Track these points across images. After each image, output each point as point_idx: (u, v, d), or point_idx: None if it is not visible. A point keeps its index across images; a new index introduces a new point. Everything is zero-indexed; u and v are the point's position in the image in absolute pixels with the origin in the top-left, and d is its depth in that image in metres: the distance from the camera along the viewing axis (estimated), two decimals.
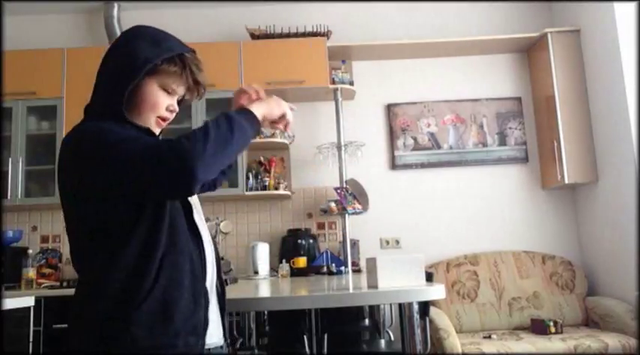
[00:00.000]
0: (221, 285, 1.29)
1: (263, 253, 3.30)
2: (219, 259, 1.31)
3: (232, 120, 1.12)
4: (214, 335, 1.22)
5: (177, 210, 1.17)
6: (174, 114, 1.28)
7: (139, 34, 1.24)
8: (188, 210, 1.21)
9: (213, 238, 1.37)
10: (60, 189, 1.16)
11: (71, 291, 3.46)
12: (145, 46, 1.20)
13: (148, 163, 1.02)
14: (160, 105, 1.23)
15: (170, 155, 1.02)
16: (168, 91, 1.24)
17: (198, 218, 1.25)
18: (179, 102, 1.30)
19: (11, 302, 2.42)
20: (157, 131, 1.27)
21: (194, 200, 1.29)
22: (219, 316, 1.26)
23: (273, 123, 1.29)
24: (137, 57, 1.18)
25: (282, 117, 1.28)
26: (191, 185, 1.03)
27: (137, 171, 1.03)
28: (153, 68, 1.19)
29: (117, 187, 1.06)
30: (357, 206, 3.56)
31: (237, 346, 2.93)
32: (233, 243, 3.86)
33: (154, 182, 1.03)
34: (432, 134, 4.02)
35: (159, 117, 1.25)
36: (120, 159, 1.04)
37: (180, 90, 1.26)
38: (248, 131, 1.16)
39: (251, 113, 1.19)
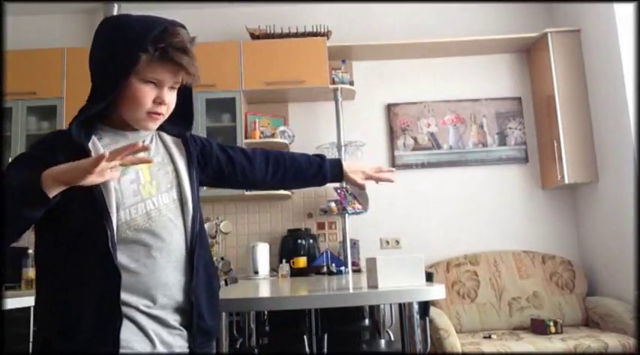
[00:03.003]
0: (190, 301, 1.20)
1: (263, 253, 3.30)
2: (199, 267, 1.23)
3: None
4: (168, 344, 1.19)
5: (86, 241, 1.15)
6: (167, 107, 1.21)
7: (113, 29, 1.19)
8: (103, 239, 1.12)
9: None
10: None
11: None
12: (121, 45, 1.14)
13: None
14: (145, 101, 1.17)
15: None
16: (153, 83, 1.17)
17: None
18: (179, 88, 1.24)
19: (11, 302, 2.41)
20: (152, 126, 1.22)
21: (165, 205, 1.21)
22: (182, 331, 1.21)
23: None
24: (115, 59, 1.15)
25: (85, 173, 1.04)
26: None
27: None
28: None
29: None
30: (357, 206, 3.56)
31: (237, 346, 2.93)
32: (233, 243, 3.86)
33: None
34: (432, 134, 4.02)
35: (149, 112, 1.19)
36: None
37: (167, 78, 1.18)
38: (19, 201, 1.07)
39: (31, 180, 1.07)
